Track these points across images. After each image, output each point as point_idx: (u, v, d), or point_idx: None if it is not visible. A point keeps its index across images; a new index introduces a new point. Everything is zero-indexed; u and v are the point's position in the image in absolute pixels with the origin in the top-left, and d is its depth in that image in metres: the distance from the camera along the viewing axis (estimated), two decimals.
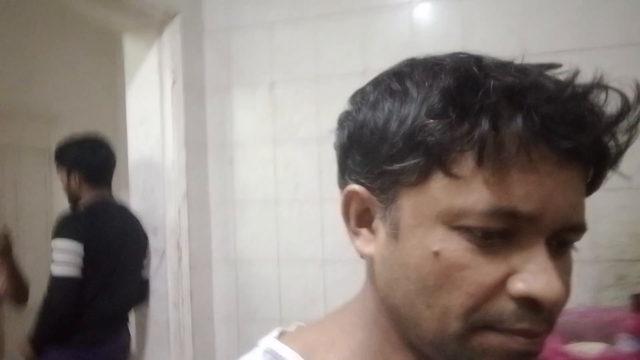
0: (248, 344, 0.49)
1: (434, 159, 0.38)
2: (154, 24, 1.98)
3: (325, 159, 1.94)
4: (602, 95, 0.39)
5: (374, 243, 0.44)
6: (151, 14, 1.92)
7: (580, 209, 0.40)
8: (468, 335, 0.39)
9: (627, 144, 0.39)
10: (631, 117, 0.38)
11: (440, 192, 0.39)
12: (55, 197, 2.85)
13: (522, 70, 0.39)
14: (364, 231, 0.45)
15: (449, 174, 0.38)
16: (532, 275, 0.37)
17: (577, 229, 0.40)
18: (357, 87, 0.47)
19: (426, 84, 0.40)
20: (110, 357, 1.82)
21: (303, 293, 2.02)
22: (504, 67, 0.39)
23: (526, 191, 0.37)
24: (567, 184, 0.38)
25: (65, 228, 1.74)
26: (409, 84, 0.41)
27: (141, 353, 2.03)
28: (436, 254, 0.39)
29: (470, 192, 0.37)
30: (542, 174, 0.37)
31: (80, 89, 3.14)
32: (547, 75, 0.39)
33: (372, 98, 0.44)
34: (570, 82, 0.38)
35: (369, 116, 0.43)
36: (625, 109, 0.38)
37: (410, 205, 0.40)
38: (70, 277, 1.68)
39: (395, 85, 0.42)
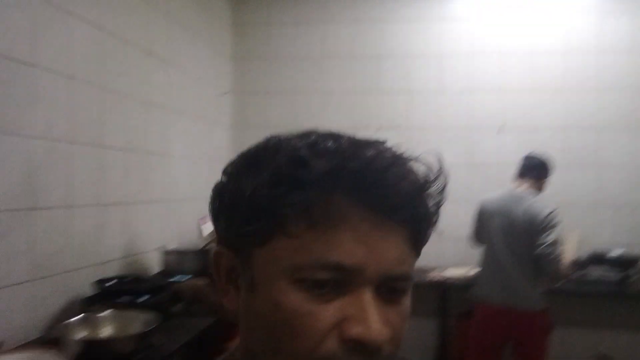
0: None
1: (273, 222, 0.46)
2: None
3: None
4: (415, 166, 0.46)
5: (238, 299, 0.51)
6: None
7: (402, 261, 0.47)
8: None
9: (438, 206, 0.47)
10: (438, 185, 0.46)
11: (280, 250, 0.46)
12: None
13: (353, 143, 0.46)
14: (232, 289, 0.52)
15: (285, 234, 0.45)
16: (357, 320, 0.44)
17: (402, 278, 0.47)
18: None
19: (267, 161, 0.47)
20: None
21: None
22: (335, 144, 0.47)
23: (350, 247, 0.44)
24: (387, 240, 0.45)
25: None
26: (259, 159, 0.49)
27: None
28: (277, 305, 0.45)
29: (303, 250, 0.45)
30: (363, 233, 0.44)
31: None
32: (371, 147, 0.46)
33: (234, 170, 0.51)
34: (383, 153, 0.45)
35: (229, 186, 0.51)
36: (430, 177, 0.46)
37: (260, 262, 0.47)
38: None
39: (250, 160, 0.50)
